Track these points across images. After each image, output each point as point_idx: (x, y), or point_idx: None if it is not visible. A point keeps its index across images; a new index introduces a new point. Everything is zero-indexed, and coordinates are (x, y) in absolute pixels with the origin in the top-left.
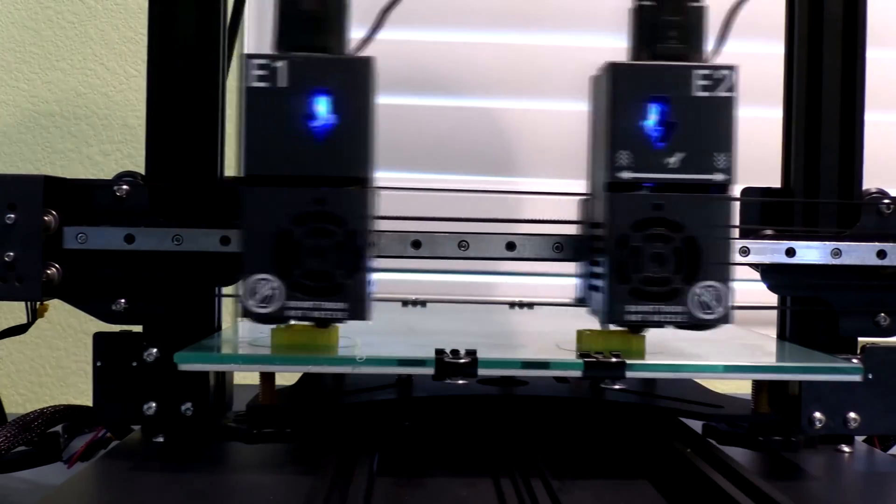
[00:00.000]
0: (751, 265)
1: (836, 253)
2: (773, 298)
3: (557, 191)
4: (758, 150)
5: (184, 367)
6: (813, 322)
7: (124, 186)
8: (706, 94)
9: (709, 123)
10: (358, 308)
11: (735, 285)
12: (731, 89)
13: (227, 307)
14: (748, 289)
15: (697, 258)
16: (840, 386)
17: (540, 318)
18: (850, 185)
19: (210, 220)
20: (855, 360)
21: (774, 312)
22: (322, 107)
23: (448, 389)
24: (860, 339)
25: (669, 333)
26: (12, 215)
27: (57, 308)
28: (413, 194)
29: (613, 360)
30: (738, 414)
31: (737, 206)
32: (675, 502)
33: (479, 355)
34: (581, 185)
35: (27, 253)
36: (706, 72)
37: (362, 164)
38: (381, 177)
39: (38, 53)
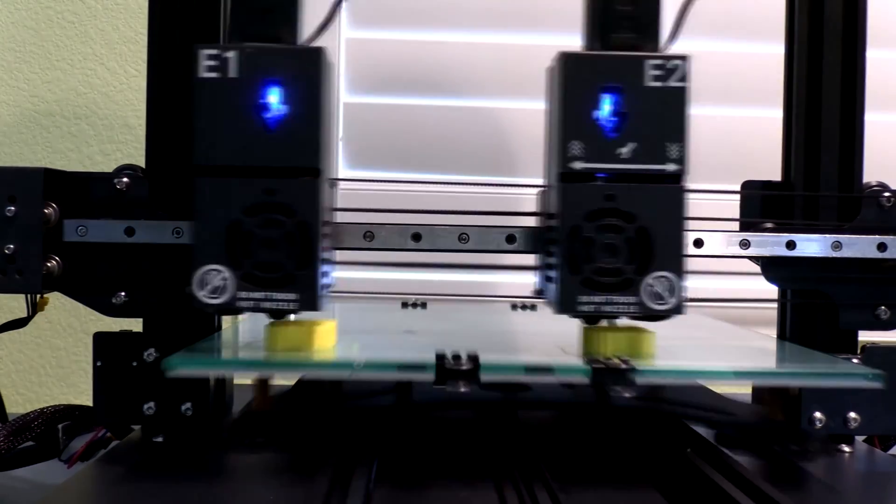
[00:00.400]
0: (751, 258)
1: (837, 246)
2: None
3: None
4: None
5: (176, 372)
6: (813, 315)
7: (124, 179)
8: (658, 84)
9: (661, 114)
10: (309, 299)
11: (734, 281)
12: (683, 79)
13: None
14: (747, 287)
15: (650, 249)
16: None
17: (540, 318)
18: (850, 179)
19: None
20: (855, 360)
21: (774, 312)
22: (273, 97)
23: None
24: (861, 334)
25: (669, 334)
26: (12, 208)
27: (57, 308)
28: (413, 194)
29: (621, 365)
30: (750, 420)
31: (737, 199)
32: None
33: (481, 359)
34: None
35: (27, 246)
36: (658, 62)
37: (313, 154)
38: (379, 176)
39: (38, 53)
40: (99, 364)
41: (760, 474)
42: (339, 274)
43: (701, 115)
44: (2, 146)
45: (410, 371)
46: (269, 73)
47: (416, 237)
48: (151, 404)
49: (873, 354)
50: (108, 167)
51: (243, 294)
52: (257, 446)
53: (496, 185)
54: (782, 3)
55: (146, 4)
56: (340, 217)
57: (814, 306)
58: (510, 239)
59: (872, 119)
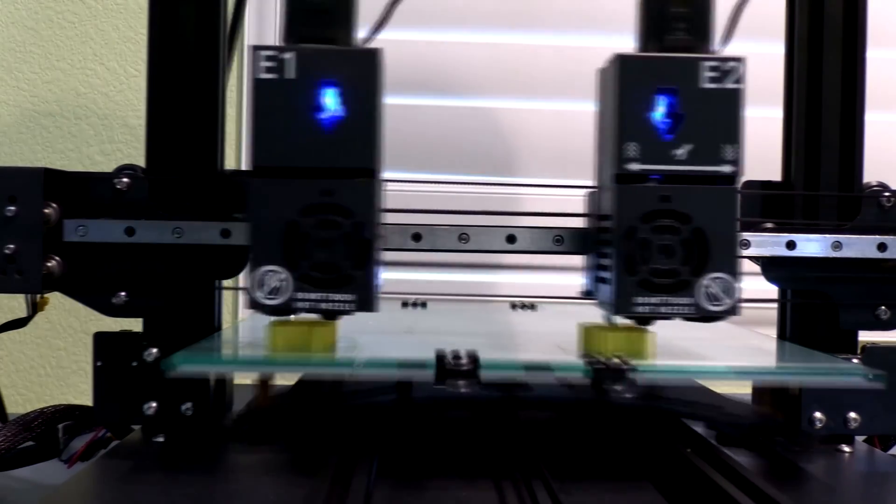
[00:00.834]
0: (751, 258)
1: (837, 246)
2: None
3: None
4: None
5: (180, 370)
6: (813, 315)
7: (124, 179)
8: (714, 85)
9: (716, 115)
10: (366, 300)
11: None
12: (738, 81)
13: (227, 306)
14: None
15: (705, 250)
16: (842, 386)
17: (541, 318)
18: (850, 179)
19: (210, 213)
20: (855, 360)
21: (774, 312)
22: (330, 99)
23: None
24: (861, 334)
25: (668, 334)
26: (12, 208)
27: (57, 308)
28: (414, 193)
29: (617, 363)
30: (744, 417)
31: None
32: None
33: (481, 358)
34: (580, 185)
35: (27, 245)
36: (714, 63)
37: (369, 155)
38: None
39: (38, 53)
40: (99, 364)
41: (759, 473)
42: None
43: None
44: (2, 146)
45: (410, 369)
46: (325, 74)
47: (416, 237)
48: (152, 404)
49: (873, 354)
50: (108, 167)
51: (300, 295)
52: (258, 443)
53: (496, 185)
54: (782, 3)
55: (146, 4)
56: None
57: (814, 306)
58: (510, 239)
59: (872, 119)
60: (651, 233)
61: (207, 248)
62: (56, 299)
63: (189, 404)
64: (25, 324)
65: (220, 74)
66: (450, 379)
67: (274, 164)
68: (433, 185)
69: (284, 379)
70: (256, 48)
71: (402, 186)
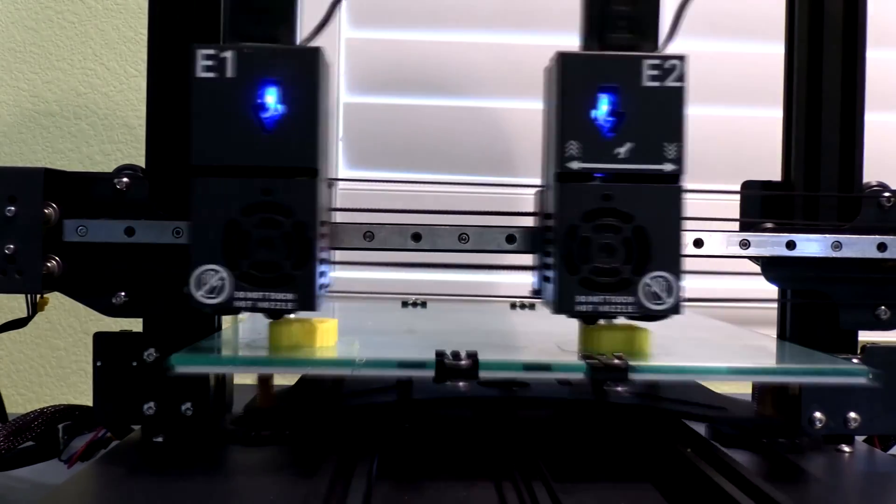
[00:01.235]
0: (751, 258)
1: (837, 246)
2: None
3: None
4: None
5: (179, 370)
6: (813, 316)
7: (124, 179)
8: (656, 84)
9: (658, 113)
10: (307, 299)
11: (735, 281)
12: (680, 79)
13: None
14: (747, 287)
15: (647, 248)
16: (840, 385)
17: (539, 317)
18: (850, 179)
19: None
20: (855, 360)
21: (774, 312)
22: (270, 97)
23: (448, 390)
24: (861, 334)
25: (668, 333)
26: (12, 208)
27: (57, 308)
28: (414, 193)
29: (617, 362)
30: (745, 417)
31: (738, 199)
32: None
33: (480, 357)
34: None
35: (27, 245)
36: (655, 62)
37: (311, 154)
38: (380, 176)
39: (38, 53)
40: (99, 364)
41: (759, 473)
42: (339, 274)
43: (701, 115)
44: (2, 146)
45: (410, 368)
46: (266, 72)
47: (416, 237)
48: (151, 404)
49: (873, 354)
50: (108, 167)
51: (241, 294)
52: (259, 442)
53: (496, 185)
54: (782, 3)
55: (146, 4)
56: (340, 217)
57: (814, 306)
58: (510, 239)
59: (872, 119)
60: (592, 231)
61: None
62: (56, 299)
63: (189, 404)
64: (25, 324)
65: None
66: (449, 378)
67: (214, 163)
68: (433, 185)
69: (285, 378)
70: (195, 47)
71: (402, 186)
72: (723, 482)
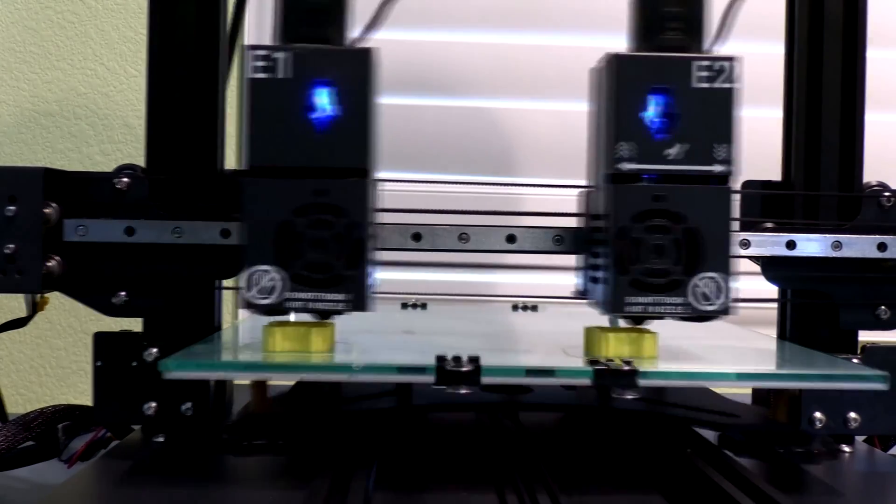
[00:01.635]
0: (751, 258)
1: (837, 245)
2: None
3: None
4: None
5: (170, 375)
6: (813, 315)
7: (124, 179)
8: (707, 85)
9: (709, 115)
10: (359, 300)
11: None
12: (731, 80)
13: (227, 305)
14: (747, 287)
15: (698, 249)
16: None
17: (543, 318)
18: (850, 178)
19: (210, 213)
20: (855, 360)
21: (774, 312)
22: (323, 98)
23: (449, 394)
24: (861, 334)
25: (669, 334)
26: (12, 208)
27: (57, 308)
28: (414, 193)
29: (624, 367)
30: (758, 424)
31: (737, 198)
32: None
33: (482, 361)
34: (580, 185)
35: (27, 245)
36: (707, 63)
37: (363, 155)
38: (380, 176)
39: (38, 53)
40: (99, 364)
41: (763, 477)
42: None
43: None
44: (2, 146)
45: (410, 373)
46: (320, 73)
47: (416, 237)
48: (152, 404)
49: (873, 354)
50: (108, 167)
51: (293, 294)
52: (253, 452)
53: (496, 184)
54: (782, 3)
55: (146, 4)
56: None
57: (814, 306)
58: (510, 239)
59: (872, 119)
60: (644, 232)
61: (207, 248)
62: (56, 299)
63: (189, 404)
64: (25, 324)
65: (220, 74)
66: (450, 383)
67: (268, 164)
68: (433, 185)
69: (283, 379)
70: (250, 47)
71: (402, 186)
72: (729, 488)
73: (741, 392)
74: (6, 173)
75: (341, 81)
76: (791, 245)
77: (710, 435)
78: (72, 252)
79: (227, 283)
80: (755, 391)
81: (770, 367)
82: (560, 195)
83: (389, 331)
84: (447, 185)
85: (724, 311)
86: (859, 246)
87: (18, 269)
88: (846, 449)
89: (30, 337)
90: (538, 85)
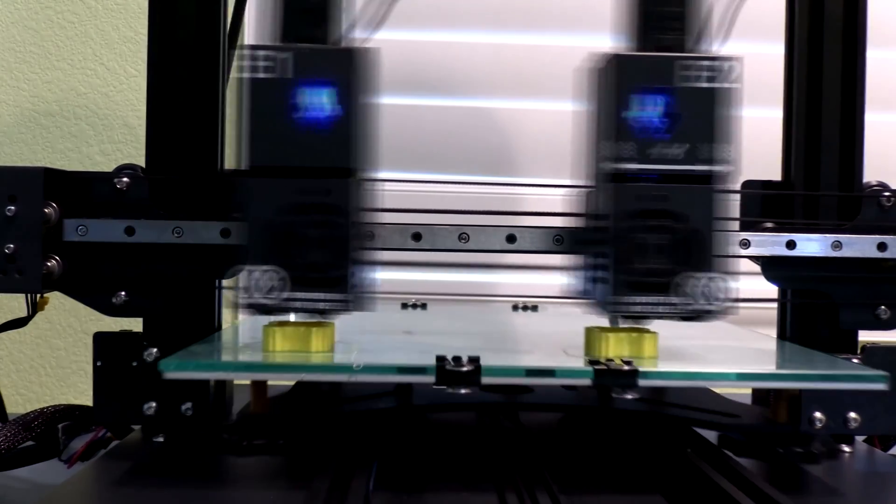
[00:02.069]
0: (751, 258)
1: (837, 245)
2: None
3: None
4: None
5: (169, 376)
6: (813, 315)
7: (124, 179)
8: (708, 85)
9: (711, 114)
10: (359, 299)
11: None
12: (732, 81)
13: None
14: (747, 287)
15: (700, 249)
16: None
17: (543, 318)
18: (850, 178)
19: (210, 213)
20: (856, 360)
21: (774, 312)
22: (324, 98)
23: (449, 394)
24: (861, 334)
25: (669, 334)
26: (12, 207)
27: (57, 308)
28: (414, 193)
29: (625, 367)
30: (756, 424)
31: (737, 198)
32: None
33: (482, 362)
34: (580, 185)
35: (27, 245)
36: (708, 63)
37: (361, 155)
38: (380, 176)
39: (38, 53)
40: (99, 364)
41: (763, 477)
42: None
43: None
44: (2, 146)
45: (410, 374)
46: (321, 73)
47: (417, 237)
48: (152, 404)
49: (873, 354)
50: (108, 167)
51: (293, 294)
52: (252, 452)
53: (496, 184)
54: (782, 3)
55: (146, 4)
56: None
57: (814, 306)
58: (510, 239)
59: (872, 119)
60: (645, 232)
61: (207, 248)
62: (56, 299)
63: (189, 404)
64: (25, 324)
65: (220, 74)
66: (451, 384)
67: (269, 164)
68: (433, 185)
69: (283, 380)
70: (252, 47)
71: (402, 186)
72: (730, 488)
73: (741, 392)
74: (6, 173)
75: (342, 81)
76: (791, 245)
77: (710, 435)
78: (72, 252)
79: (227, 283)
80: (755, 391)
81: (770, 367)
82: (560, 195)
83: (389, 331)
84: (447, 185)
85: (725, 311)
86: (859, 246)
87: (18, 268)
88: (846, 449)
89: (30, 337)
90: (538, 85)
